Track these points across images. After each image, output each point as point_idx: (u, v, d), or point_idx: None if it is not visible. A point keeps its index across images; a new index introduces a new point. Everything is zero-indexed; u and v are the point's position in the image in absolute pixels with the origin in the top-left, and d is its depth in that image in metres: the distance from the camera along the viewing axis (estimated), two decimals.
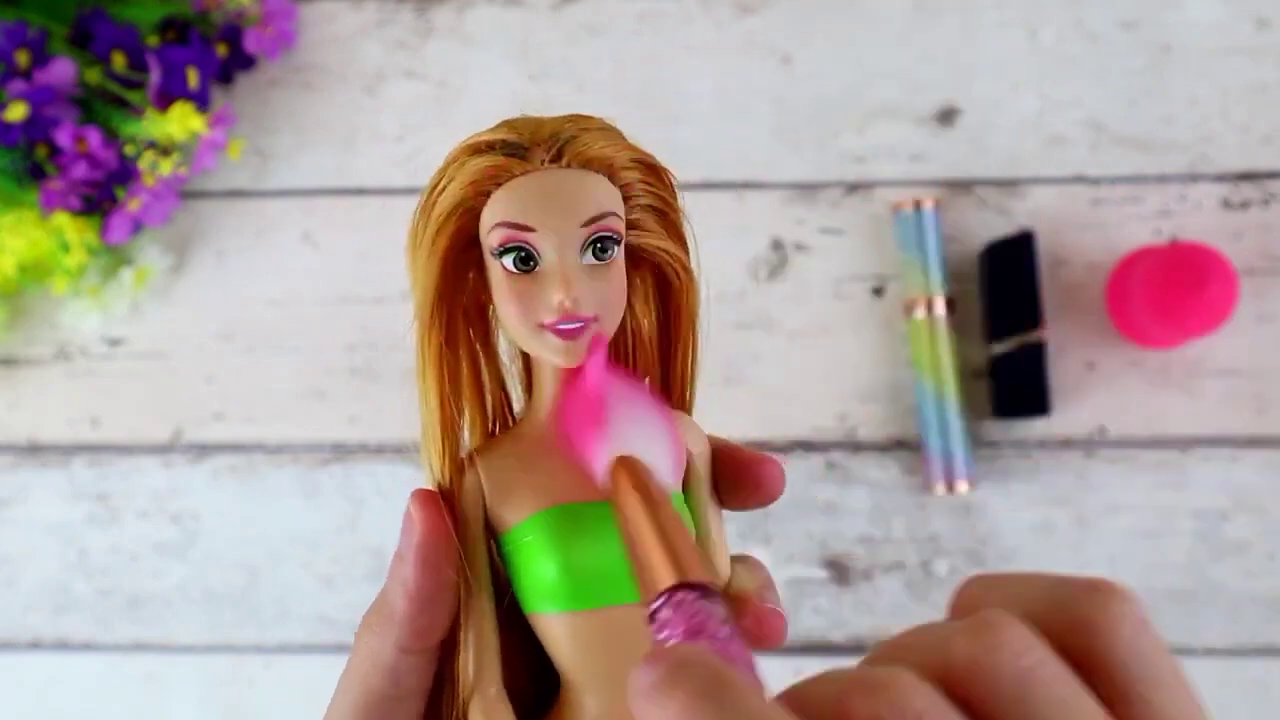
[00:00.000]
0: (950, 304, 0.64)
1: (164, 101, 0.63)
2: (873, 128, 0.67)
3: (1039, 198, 0.66)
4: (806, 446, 0.65)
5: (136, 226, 0.64)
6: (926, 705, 0.17)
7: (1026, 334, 0.63)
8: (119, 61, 0.63)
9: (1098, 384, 0.65)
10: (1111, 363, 0.65)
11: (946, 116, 0.67)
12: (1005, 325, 0.63)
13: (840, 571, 0.64)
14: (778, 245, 0.67)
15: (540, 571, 0.25)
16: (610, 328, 0.26)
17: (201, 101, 0.64)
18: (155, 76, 0.62)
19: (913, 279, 0.64)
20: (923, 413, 0.63)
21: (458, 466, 0.26)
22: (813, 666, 0.68)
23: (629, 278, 0.27)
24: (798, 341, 0.66)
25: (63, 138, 0.61)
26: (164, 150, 0.63)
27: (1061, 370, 0.65)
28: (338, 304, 0.67)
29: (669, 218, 0.27)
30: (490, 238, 0.26)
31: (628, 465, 0.24)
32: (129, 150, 0.62)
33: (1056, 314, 0.65)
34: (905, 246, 0.64)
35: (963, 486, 0.62)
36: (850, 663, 0.63)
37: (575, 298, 0.25)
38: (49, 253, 0.63)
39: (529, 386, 0.28)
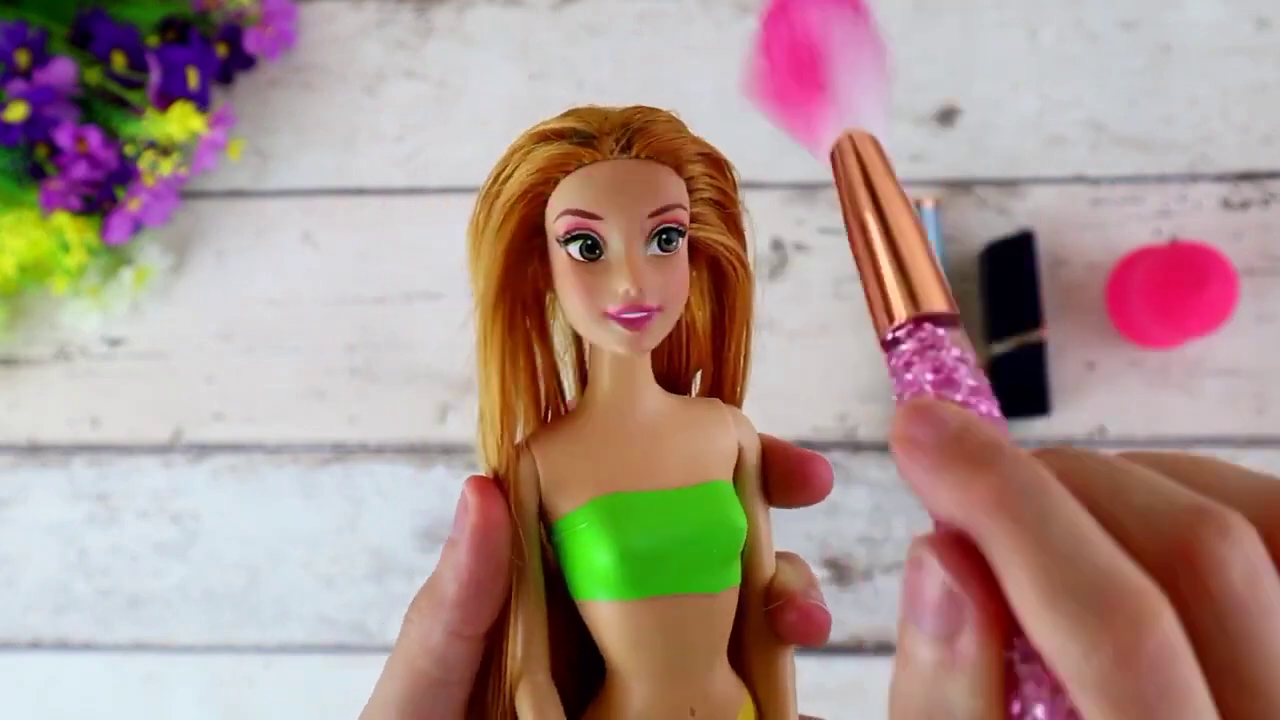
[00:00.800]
0: None
1: (164, 101, 0.63)
2: None
3: (1039, 198, 0.66)
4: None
5: (136, 226, 0.64)
6: (1264, 567, 0.16)
7: (1026, 334, 0.63)
8: (119, 61, 0.63)
9: (1098, 384, 0.65)
10: (1111, 363, 0.65)
11: (946, 116, 0.67)
12: (1005, 325, 0.63)
13: (840, 571, 0.64)
14: (778, 245, 0.67)
15: (594, 559, 0.25)
16: (671, 318, 0.26)
17: (201, 101, 0.64)
18: (155, 76, 0.62)
19: None
20: None
21: (514, 453, 0.26)
22: (811, 667, 0.68)
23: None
24: (798, 341, 0.66)
25: (63, 138, 0.61)
26: (164, 150, 0.63)
27: (1061, 370, 0.65)
28: (338, 304, 0.67)
29: (729, 211, 0.28)
30: (557, 225, 0.26)
31: (861, 147, 0.24)
32: (129, 150, 0.62)
33: (1056, 314, 0.65)
34: None
35: None
36: (851, 663, 0.63)
37: (641, 287, 0.25)
38: (49, 253, 0.63)
39: (583, 376, 0.28)
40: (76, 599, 0.66)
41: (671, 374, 0.29)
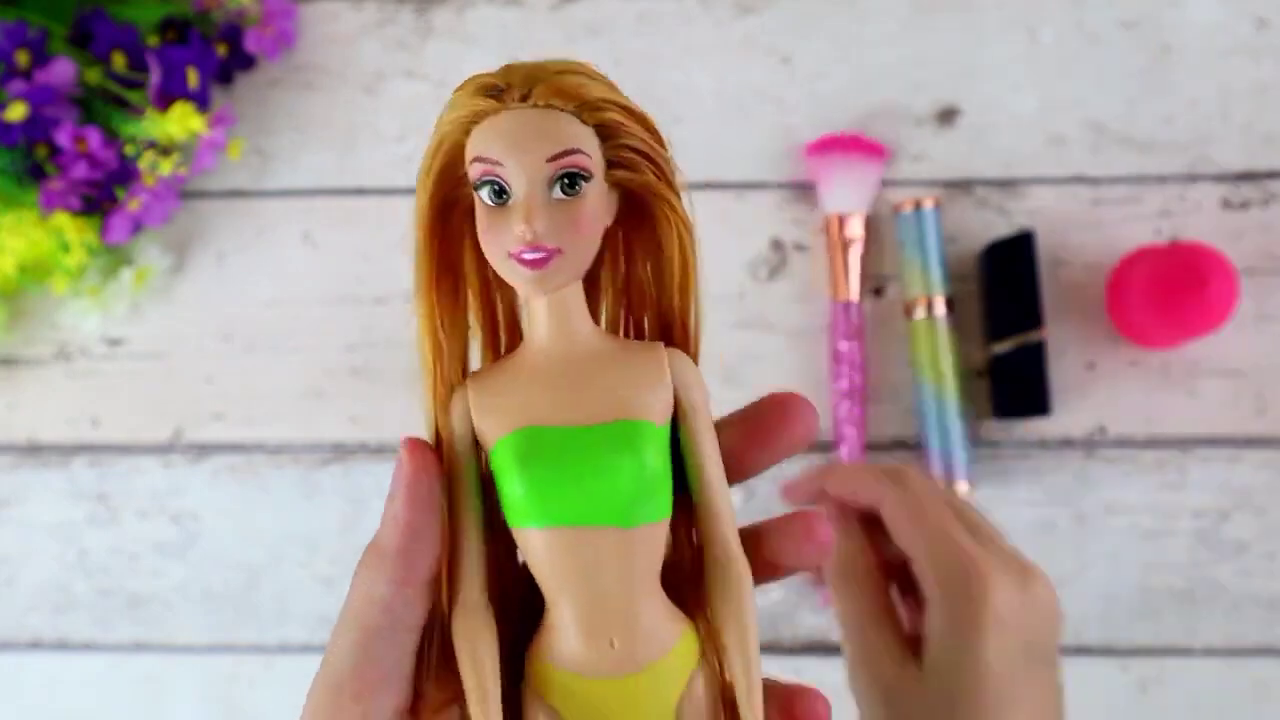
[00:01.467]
0: (949, 304, 0.64)
1: (164, 101, 0.63)
2: (873, 128, 0.67)
3: (1039, 198, 0.66)
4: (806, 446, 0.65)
5: (136, 226, 0.64)
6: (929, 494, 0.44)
7: (1026, 334, 0.63)
8: (119, 61, 0.63)
9: (1097, 384, 0.65)
10: (1111, 363, 0.65)
11: (946, 116, 0.67)
12: (1005, 325, 0.63)
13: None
14: (778, 245, 0.67)
15: (509, 487, 0.27)
16: (576, 260, 0.27)
17: (201, 101, 0.64)
18: (155, 76, 0.62)
19: (913, 279, 0.64)
20: (923, 413, 0.63)
21: (448, 390, 0.29)
22: (812, 666, 0.68)
23: (629, 224, 0.29)
24: (797, 341, 0.66)
25: (63, 138, 0.61)
26: (164, 150, 0.63)
27: (1061, 370, 0.65)
28: (338, 304, 0.67)
29: (654, 160, 0.28)
30: (470, 171, 0.27)
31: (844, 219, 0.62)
32: (129, 150, 0.62)
33: (1056, 314, 0.65)
34: (905, 246, 0.64)
35: (962, 486, 0.62)
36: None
37: (535, 230, 0.26)
38: (49, 253, 0.63)
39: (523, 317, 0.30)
40: (76, 599, 0.66)
41: (623, 324, 0.30)
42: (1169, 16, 0.67)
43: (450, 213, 0.29)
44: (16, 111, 0.59)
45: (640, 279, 0.30)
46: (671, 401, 0.28)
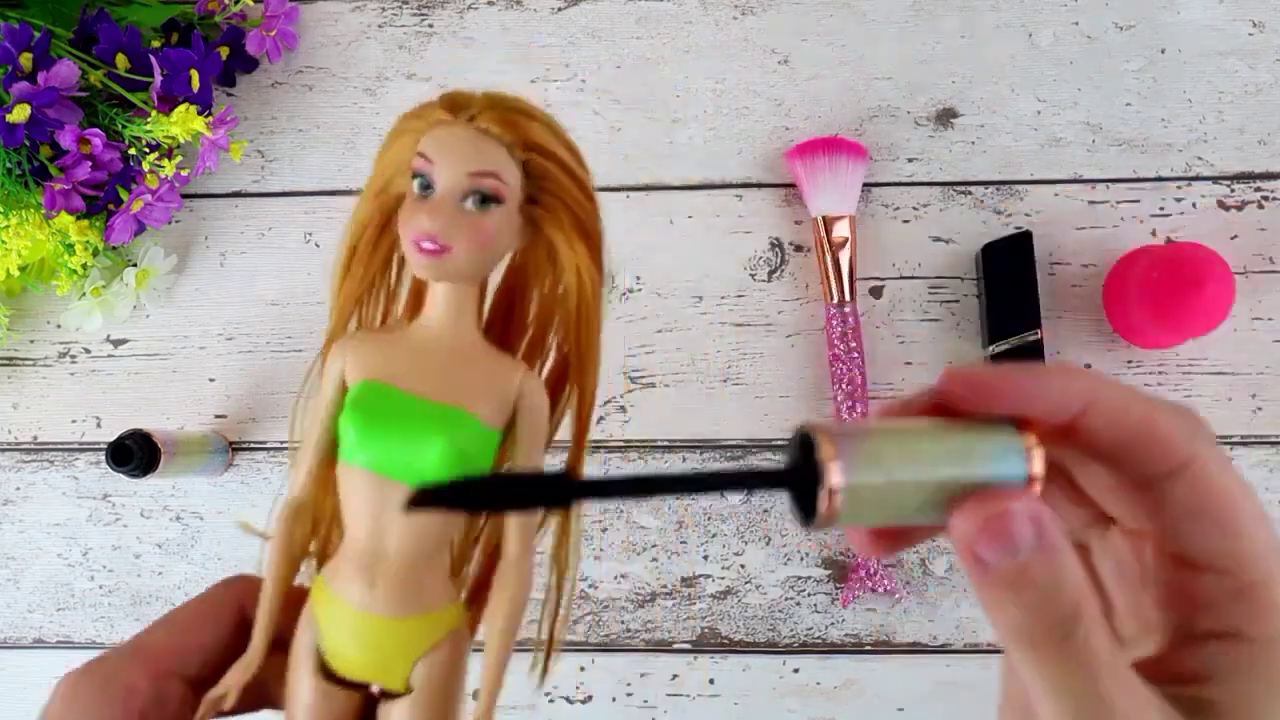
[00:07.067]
0: None
1: (166, 103, 0.63)
2: (872, 128, 0.67)
3: (1037, 198, 0.66)
4: None
5: (139, 227, 0.65)
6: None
7: (1024, 334, 0.63)
8: (122, 64, 0.64)
9: None
10: (1109, 363, 0.65)
11: (945, 118, 0.67)
12: (1003, 325, 0.63)
13: (840, 571, 0.64)
14: (777, 245, 0.67)
15: (344, 424, 0.31)
16: (464, 262, 0.30)
17: (204, 103, 0.64)
18: (158, 78, 0.63)
19: None
20: None
21: (336, 338, 0.32)
22: (811, 666, 0.68)
23: (555, 260, 0.32)
24: (796, 340, 0.66)
25: (66, 139, 0.61)
26: (167, 151, 0.63)
27: None
28: None
29: (578, 216, 0.31)
30: (413, 163, 0.31)
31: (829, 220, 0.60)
32: (132, 152, 0.63)
33: (1054, 314, 0.65)
34: None
35: None
36: (849, 662, 0.64)
37: (435, 226, 0.30)
38: (53, 254, 0.63)
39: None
40: (80, 598, 0.67)
41: (533, 338, 0.34)
42: (1165, 19, 0.67)
43: (389, 193, 0.32)
44: (20, 113, 0.60)
45: (532, 315, 0.33)
46: (510, 413, 0.31)
